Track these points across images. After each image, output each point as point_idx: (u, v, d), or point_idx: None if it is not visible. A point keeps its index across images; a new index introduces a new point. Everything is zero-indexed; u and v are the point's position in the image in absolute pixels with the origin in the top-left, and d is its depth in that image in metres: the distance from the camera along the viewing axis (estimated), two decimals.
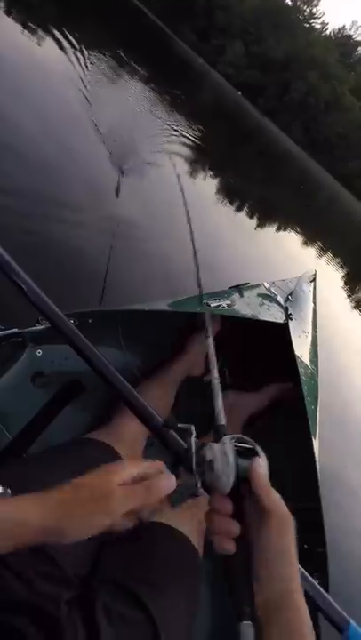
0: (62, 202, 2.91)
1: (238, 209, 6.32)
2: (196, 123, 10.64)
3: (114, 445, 0.99)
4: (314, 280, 2.41)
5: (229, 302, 1.40)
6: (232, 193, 6.62)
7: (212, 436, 0.62)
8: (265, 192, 9.36)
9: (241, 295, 1.59)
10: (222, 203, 5.80)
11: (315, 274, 2.54)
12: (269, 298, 1.65)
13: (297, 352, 1.26)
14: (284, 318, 1.46)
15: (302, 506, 1.07)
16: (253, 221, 6.32)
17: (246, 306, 1.48)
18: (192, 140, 7.40)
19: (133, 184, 3.91)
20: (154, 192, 4.07)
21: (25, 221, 2.46)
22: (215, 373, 0.79)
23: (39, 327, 1.08)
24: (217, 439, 0.58)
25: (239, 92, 60.53)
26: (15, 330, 1.09)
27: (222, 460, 0.53)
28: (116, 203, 3.40)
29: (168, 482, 0.54)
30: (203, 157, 7.45)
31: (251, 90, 70.71)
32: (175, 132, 6.86)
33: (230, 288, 1.65)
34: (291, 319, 1.44)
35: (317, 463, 1.08)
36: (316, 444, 1.12)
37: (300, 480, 1.08)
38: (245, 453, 0.56)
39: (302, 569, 0.57)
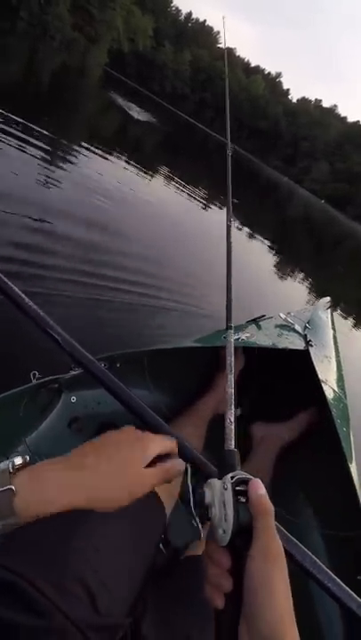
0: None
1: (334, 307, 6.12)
2: (286, 231, 11.37)
3: None
4: (330, 307, 2.40)
5: (248, 334, 1.45)
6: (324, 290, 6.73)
7: (218, 464, 0.56)
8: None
9: (259, 327, 1.61)
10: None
11: (330, 301, 2.50)
12: (287, 327, 1.64)
13: (321, 377, 1.28)
14: (304, 345, 1.45)
15: (349, 535, 1.14)
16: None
17: (265, 337, 1.53)
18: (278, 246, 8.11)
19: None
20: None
21: None
22: (231, 399, 0.73)
23: (73, 373, 1.15)
24: (223, 470, 0.51)
25: (322, 200, 63.91)
26: (51, 377, 1.14)
27: (220, 509, 0.46)
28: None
29: (181, 466, 0.57)
30: (293, 260, 7.99)
31: (339, 200, 73.96)
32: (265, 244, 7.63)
33: (248, 322, 1.68)
34: (311, 345, 1.44)
35: (357, 488, 1.04)
36: (353, 467, 1.08)
37: (343, 508, 1.11)
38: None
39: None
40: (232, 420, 0.65)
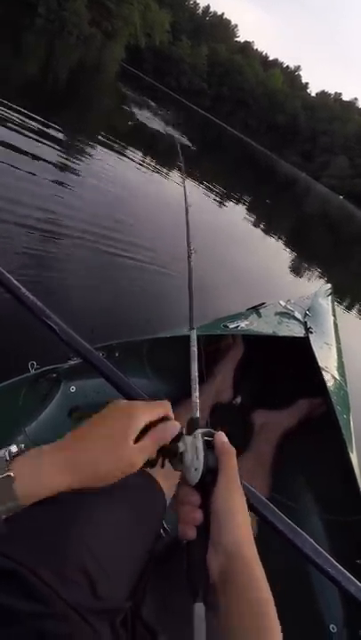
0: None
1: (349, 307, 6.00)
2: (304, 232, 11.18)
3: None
4: (331, 294, 2.35)
5: (248, 322, 1.44)
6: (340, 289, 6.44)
7: (186, 426, 0.61)
8: None
9: (259, 315, 1.59)
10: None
11: (330, 288, 2.46)
12: (287, 315, 1.62)
13: (321, 364, 1.26)
14: (304, 332, 1.44)
15: (348, 520, 1.15)
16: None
17: (265, 324, 1.51)
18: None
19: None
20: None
21: None
22: (195, 373, 0.78)
23: (71, 363, 1.14)
24: (190, 431, 0.58)
25: (341, 197, 62.71)
26: (49, 367, 1.12)
27: (192, 453, 0.54)
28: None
29: (174, 427, 0.56)
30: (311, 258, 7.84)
31: (359, 196, 72.38)
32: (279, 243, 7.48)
33: (248, 309, 1.65)
34: (311, 332, 1.43)
35: (357, 474, 1.04)
36: (353, 454, 1.07)
37: (342, 493, 1.13)
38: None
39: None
40: (197, 395, 0.71)
